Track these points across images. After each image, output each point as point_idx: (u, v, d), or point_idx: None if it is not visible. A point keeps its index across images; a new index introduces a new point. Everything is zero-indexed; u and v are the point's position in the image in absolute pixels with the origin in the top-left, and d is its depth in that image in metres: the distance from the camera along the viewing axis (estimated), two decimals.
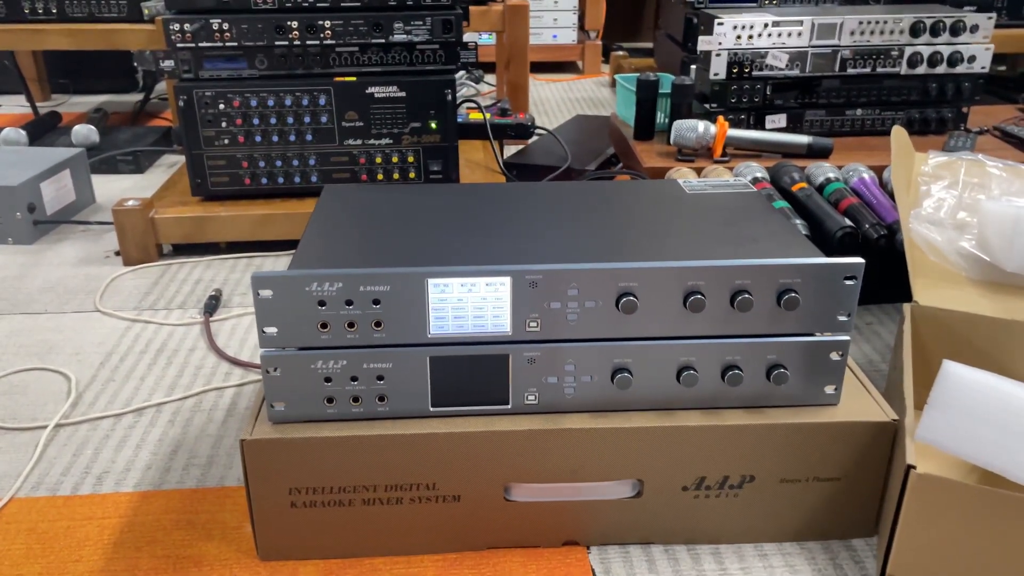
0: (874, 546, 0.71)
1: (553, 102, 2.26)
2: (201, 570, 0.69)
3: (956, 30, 1.34)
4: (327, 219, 0.74)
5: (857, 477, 0.69)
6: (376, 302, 0.63)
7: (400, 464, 0.67)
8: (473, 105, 1.59)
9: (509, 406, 0.68)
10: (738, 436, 0.68)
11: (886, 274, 1.09)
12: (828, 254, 1.09)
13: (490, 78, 2.41)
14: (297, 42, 1.22)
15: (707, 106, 1.39)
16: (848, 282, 0.66)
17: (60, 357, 1.01)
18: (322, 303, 0.63)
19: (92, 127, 1.73)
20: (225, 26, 1.20)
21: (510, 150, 1.66)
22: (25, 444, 0.85)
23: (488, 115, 1.56)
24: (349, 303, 0.63)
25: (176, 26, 1.20)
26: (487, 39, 2.49)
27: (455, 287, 0.64)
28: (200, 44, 1.21)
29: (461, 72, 2.02)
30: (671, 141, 1.32)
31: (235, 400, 0.92)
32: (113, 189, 1.58)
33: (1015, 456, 0.59)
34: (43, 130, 1.81)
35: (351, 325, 0.64)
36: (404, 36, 1.23)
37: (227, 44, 1.21)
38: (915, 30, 1.34)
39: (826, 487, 0.70)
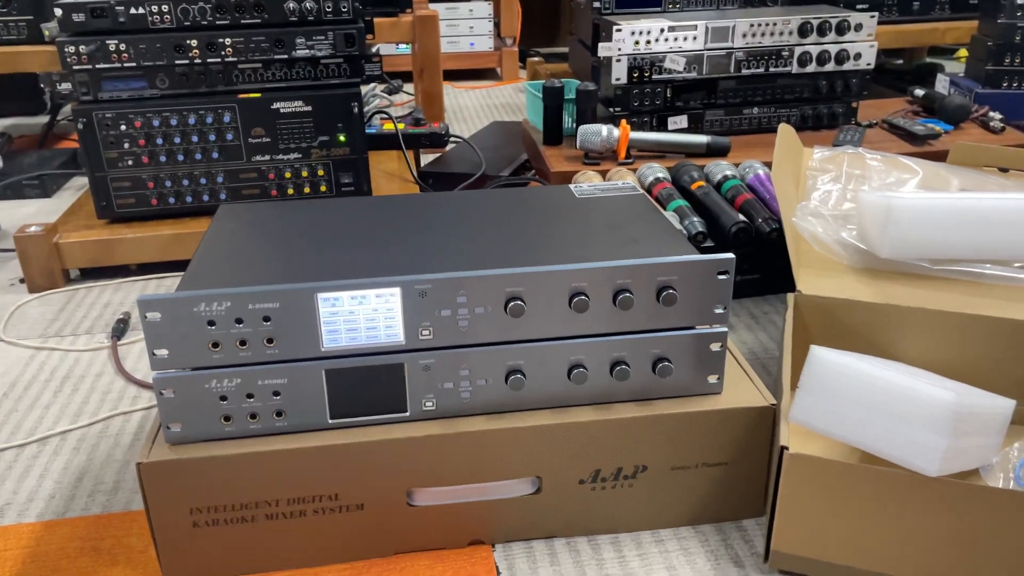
0: (764, 525, 0.75)
1: (471, 109, 2.29)
2: None
3: (841, 29, 1.41)
4: (219, 238, 0.75)
5: (743, 460, 0.73)
6: (266, 319, 0.64)
7: (301, 477, 0.68)
8: (386, 116, 1.61)
9: (407, 413, 0.69)
10: (629, 428, 0.71)
11: (781, 265, 1.14)
12: (724, 249, 1.14)
13: (409, 87, 2.42)
14: (198, 60, 1.21)
15: (611, 110, 1.43)
16: (721, 277, 0.69)
17: None
18: (211, 323, 0.64)
19: None
20: (122, 46, 1.19)
21: (428, 158, 1.67)
22: None
23: (402, 125, 1.57)
24: (239, 321, 0.64)
25: (71, 48, 1.18)
26: (405, 48, 2.50)
27: (345, 300, 0.65)
28: (97, 65, 1.19)
29: (373, 84, 2.03)
30: (577, 145, 1.35)
31: (143, 424, 0.91)
32: (19, 214, 1.54)
33: (876, 432, 0.63)
34: None
35: (243, 343, 0.65)
36: (307, 51, 1.23)
37: (125, 65, 1.20)
38: (803, 31, 1.40)
39: (715, 472, 0.73)
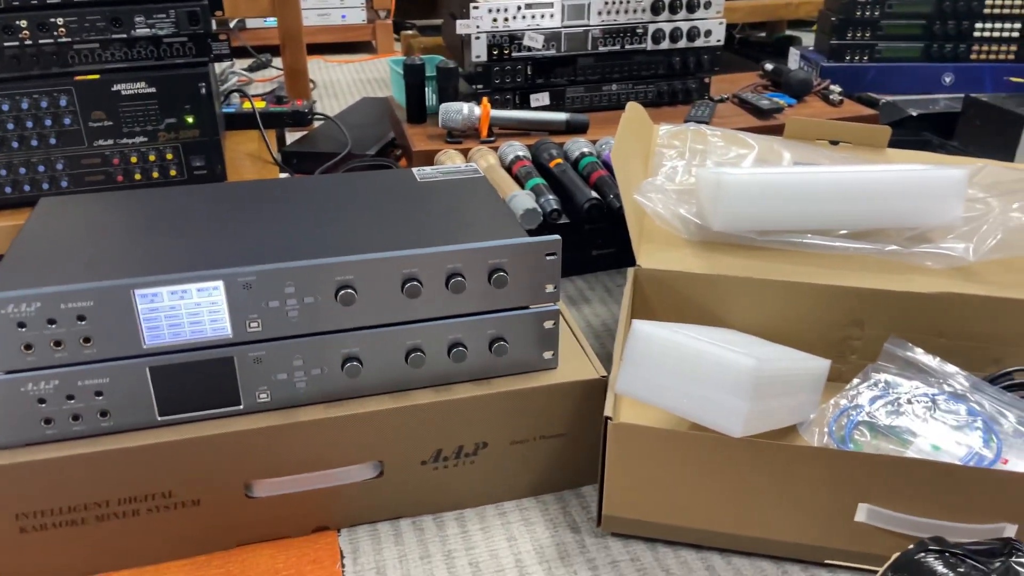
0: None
1: (344, 84, 2.25)
2: None
3: (692, 7, 1.46)
4: (35, 234, 0.72)
5: (578, 431, 0.77)
6: (81, 318, 0.62)
7: (131, 477, 0.66)
8: (243, 94, 1.56)
9: (242, 406, 0.69)
10: (468, 408, 0.73)
11: None
12: (580, 225, 1.17)
13: (279, 61, 2.35)
14: (29, 42, 1.14)
15: (474, 87, 1.43)
16: (549, 257, 0.72)
17: None
18: (22, 324, 0.61)
19: None
20: None
21: (295, 136, 1.63)
22: None
23: (262, 104, 1.53)
24: (52, 322, 0.62)
25: None
26: (273, 21, 2.42)
27: (165, 295, 0.64)
28: None
29: (232, 60, 1.96)
30: (440, 124, 1.36)
31: None
32: None
33: (689, 398, 0.67)
34: None
35: (58, 343, 0.63)
36: (147, 30, 1.18)
37: None
38: (656, 8, 1.44)
39: (552, 443, 0.77)
